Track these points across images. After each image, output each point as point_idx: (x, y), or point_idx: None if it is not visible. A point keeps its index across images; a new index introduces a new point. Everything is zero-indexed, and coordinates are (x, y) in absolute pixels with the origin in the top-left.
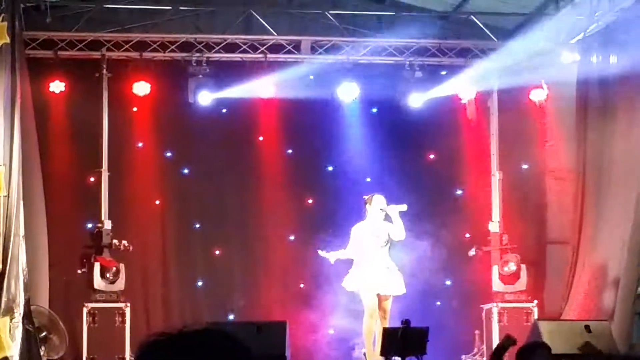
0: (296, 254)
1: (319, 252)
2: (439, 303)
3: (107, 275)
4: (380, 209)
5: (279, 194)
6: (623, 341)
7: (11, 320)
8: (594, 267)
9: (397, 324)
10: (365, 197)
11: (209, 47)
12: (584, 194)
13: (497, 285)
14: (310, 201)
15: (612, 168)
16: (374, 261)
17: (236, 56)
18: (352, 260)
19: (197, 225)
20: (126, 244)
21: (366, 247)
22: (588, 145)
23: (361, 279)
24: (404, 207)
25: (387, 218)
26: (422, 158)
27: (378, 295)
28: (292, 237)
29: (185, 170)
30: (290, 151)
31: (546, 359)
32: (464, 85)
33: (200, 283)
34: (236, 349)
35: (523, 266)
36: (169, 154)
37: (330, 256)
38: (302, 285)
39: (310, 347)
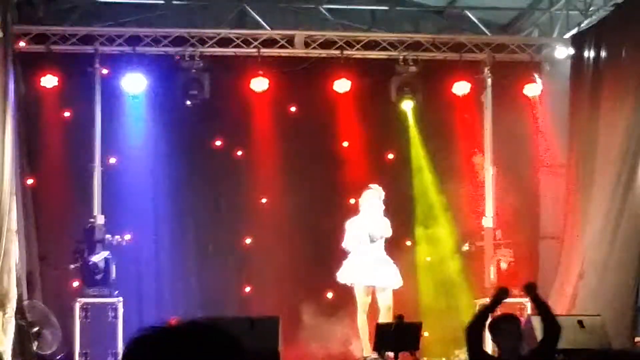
0: (292, 249)
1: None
2: (431, 298)
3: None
4: (369, 205)
5: (271, 191)
6: (626, 337)
7: (4, 315)
8: (578, 258)
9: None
10: (370, 186)
11: (202, 41)
12: (574, 188)
13: (490, 280)
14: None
15: (597, 160)
16: (366, 254)
17: (229, 51)
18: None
19: (191, 221)
20: (119, 239)
21: (359, 241)
22: (580, 139)
23: (353, 271)
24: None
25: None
26: (414, 152)
27: (374, 288)
28: (285, 233)
29: (179, 165)
30: (283, 146)
31: (515, 332)
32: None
33: (193, 278)
34: (225, 342)
35: (516, 261)
36: (162, 149)
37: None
38: (296, 281)
39: (303, 342)
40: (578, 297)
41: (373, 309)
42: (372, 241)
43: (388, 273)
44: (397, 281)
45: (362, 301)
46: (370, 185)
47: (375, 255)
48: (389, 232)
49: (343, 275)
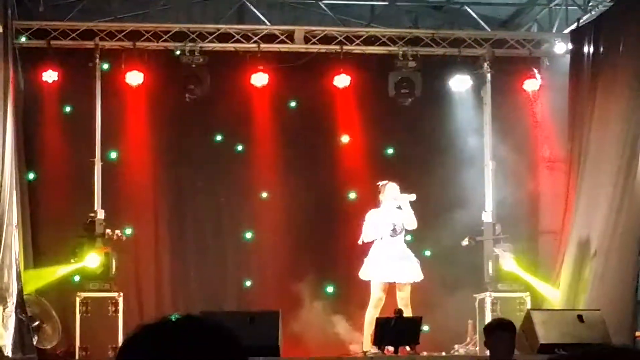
0: (292, 244)
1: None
2: (431, 293)
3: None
4: (393, 198)
5: (271, 185)
6: (626, 332)
7: (4, 309)
8: (576, 251)
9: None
10: (379, 184)
11: (202, 36)
12: (573, 182)
13: (489, 275)
14: (305, 191)
15: (596, 154)
16: (388, 251)
17: (229, 46)
18: (367, 249)
19: (191, 216)
20: (119, 234)
21: (380, 236)
22: (579, 134)
23: (374, 268)
24: (412, 197)
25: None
26: (413, 148)
27: (395, 284)
28: (285, 227)
29: (179, 161)
30: (283, 141)
31: (508, 341)
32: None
33: (193, 272)
34: (222, 336)
35: (515, 256)
36: (162, 144)
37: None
38: (296, 275)
39: (303, 336)
40: (594, 276)
41: (385, 304)
42: (394, 233)
43: (411, 268)
44: (417, 275)
45: (376, 296)
46: (385, 181)
47: (397, 251)
48: (414, 224)
49: (364, 273)
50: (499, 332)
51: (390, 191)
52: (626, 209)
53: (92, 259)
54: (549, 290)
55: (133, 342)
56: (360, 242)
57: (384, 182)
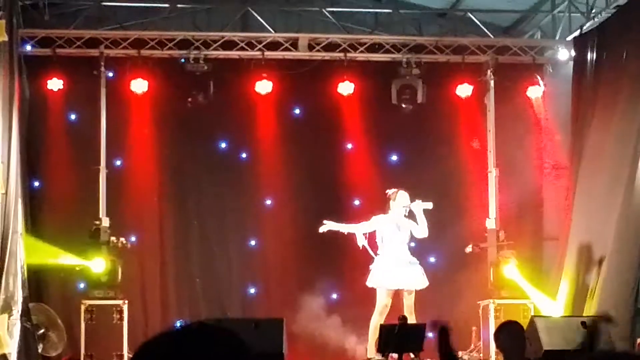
0: (296, 251)
1: (324, 222)
2: (435, 300)
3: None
4: (404, 206)
5: (276, 193)
6: (626, 338)
7: (9, 317)
8: (579, 255)
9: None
10: (389, 192)
11: (206, 44)
12: (575, 189)
13: (493, 281)
14: (310, 200)
15: (598, 161)
16: (396, 258)
17: (234, 53)
18: (370, 255)
19: (195, 223)
20: (124, 241)
21: (388, 243)
22: (582, 140)
23: (380, 276)
24: (429, 205)
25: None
26: (419, 155)
27: (401, 291)
28: (290, 235)
29: (184, 168)
30: (287, 148)
31: (515, 336)
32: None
33: (198, 280)
34: (232, 344)
35: (519, 262)
36: (167, 151)
37: (333, 226)
38: (300, 282)
39: (307, 343)
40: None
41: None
42: (406, 241)
43: (417, 275)
44: (422, 282)
45: (382, 303)
46: (394, 189)
47: (405, 258)
48: (426, 233)
49: (371, 280)
50: (505, 329)
51: (401, 198)
52: (627, 215)
53: (98, 264)
54: (548, 299)
55: (146, 347)
56: (352, 227)
57: (394, 189)
